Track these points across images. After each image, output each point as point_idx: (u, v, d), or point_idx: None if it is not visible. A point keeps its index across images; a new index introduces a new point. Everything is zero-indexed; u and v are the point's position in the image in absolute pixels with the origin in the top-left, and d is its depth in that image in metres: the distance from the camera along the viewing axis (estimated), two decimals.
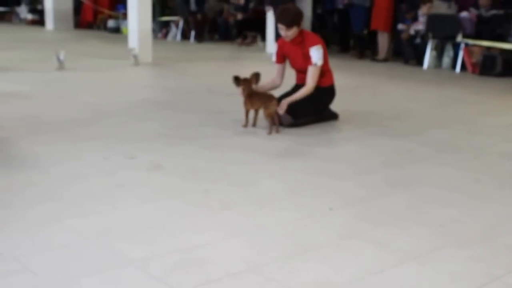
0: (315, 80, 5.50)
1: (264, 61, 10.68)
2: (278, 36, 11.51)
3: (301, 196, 3.67)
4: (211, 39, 15.01)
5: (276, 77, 5.71)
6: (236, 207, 3.44)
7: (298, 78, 5.75)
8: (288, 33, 5.49)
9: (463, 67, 9.72)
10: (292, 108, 5.41)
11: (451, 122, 5.99)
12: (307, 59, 5.49)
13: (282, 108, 5.34)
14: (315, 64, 5.47)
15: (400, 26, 10.70)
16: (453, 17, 9.98)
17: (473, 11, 10.04)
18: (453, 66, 9.95)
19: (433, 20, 10.07)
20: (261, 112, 5.35)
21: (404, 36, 10.56)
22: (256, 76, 5.36)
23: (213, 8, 15.37)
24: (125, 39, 11.04)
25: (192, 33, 14.60)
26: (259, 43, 13.58)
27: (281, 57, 5.74)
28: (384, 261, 2.79)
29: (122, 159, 4.36)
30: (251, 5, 14.60)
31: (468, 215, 3.43)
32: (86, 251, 2.81)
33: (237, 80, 5.32)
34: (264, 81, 5.54)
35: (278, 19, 5.56)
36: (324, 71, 5.59)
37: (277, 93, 5.55)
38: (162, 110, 6.19)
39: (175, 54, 11.98)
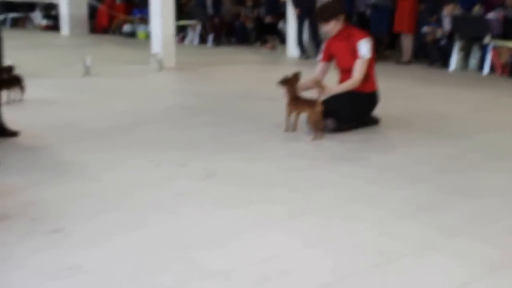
0: (362, 73, 5.34)
1: (287, 65, 10.62)
2: (301, 40, 11.53)
3: (364, 205, 3.58)
4: (229, 42, 14.93)
5: (318, 74, 5.59)
6: (303, 216, 3.38)
7: (342, 79, 5.56)
8: (327, 28, 5.50)
9: (491, 68, 9.58)
10: (335, 114, 5.29)
11: (495, 126, 5.80)
12: (354, 54, 5.35)
13: (327, 93, 5.25)
14: (363, 57, 5.33)
15: (425, 29, 10.58)
16: (480, 18, 9.85)
17: (500, 11, 9.89)
18: (480, 67, 9.82)
19: (460, 21, 9.95)
20: (302, 116, 5.25)
21: (429, 38, 10.44)
22: (297, 76, 5.24)
23: (229, 11, 15.30)
24: (141, 43, 11.00)
25: (210, 37, 14.52)
26: (278, 47, 13.49)
27: (328, 56, 5.64)
28: (468, 273, 2.71)
29: (174, 167, 4.30)
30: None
31: None
32: (164, 263, 2.76)
33: (285, 81, 5.19)
34: (305, 79, 5.39)
35: (317, 16, 5.69)
36: (368, 76, 5.44)
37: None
38: (198, 116, 6.09)
39: (196, 58, 11.89)
